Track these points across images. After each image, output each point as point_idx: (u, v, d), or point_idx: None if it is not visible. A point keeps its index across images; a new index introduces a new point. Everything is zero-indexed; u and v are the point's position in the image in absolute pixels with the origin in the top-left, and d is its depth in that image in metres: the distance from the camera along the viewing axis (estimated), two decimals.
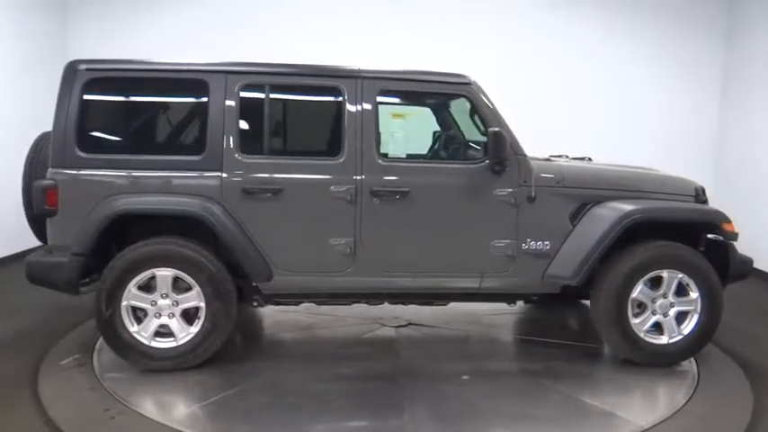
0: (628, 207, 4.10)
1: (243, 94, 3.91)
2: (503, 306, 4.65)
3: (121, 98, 3.99)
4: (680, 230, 4.27)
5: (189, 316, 3.93)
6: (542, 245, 4.15)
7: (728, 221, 4.20)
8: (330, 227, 3.97)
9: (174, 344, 3.90)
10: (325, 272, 4.03)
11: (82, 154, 3.83)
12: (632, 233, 4.25)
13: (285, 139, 4.12)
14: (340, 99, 3.96)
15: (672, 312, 4.19)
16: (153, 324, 3.89)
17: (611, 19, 7.92)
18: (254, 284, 4.03)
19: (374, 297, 4.26)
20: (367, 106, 3.97)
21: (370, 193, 3.96)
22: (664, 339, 4.20)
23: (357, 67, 4.00)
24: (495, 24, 7.82)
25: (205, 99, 3.89)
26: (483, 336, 4.88)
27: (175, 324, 3.90)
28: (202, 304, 3.89)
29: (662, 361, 4.19)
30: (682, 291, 4.17)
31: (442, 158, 4.36)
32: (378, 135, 4.01)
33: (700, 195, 4.36)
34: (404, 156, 4.23)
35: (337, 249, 3.97)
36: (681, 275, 4.13)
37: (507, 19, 7.84)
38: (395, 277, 4.09)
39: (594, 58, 7.92)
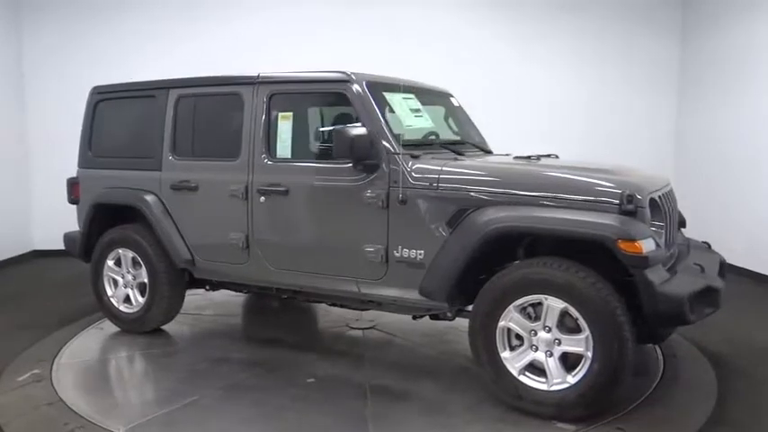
0: (495, 215, 3.40)
1: (177, 104, 4.58)
2: None
3: (112, 112, 5.03)
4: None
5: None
6: (416, 254, 3.72)
7: (627, 239, 3.08)
8: (230, 222, 4.31)
9: (132, 310, 4.81)
10: (230, 262, 4.40)
11: (91, 156, 5.05)
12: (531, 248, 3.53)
13: (205, 143, 4.56)
14: (241, 104, 4.29)
15: (557, 351, 3.30)
16: (121, 292, 4.87)
17: (564, 20, 7.94)
18: (179, 268, 4.62)
19: (285, 292, 4.41)
20: (259, 110, 4.21)
21: (257, 192, 4.19)
22: (544, 384, 3.33)
23: (256, 74, 4.27)
24: (441, 25, 7.87)
25: (155, 109, 4.67)
26: (411, 349, 4.53)
27: (132, 294, 4.81)
28: (146, 280, 4.70)
29: (543, 411, 3.32)
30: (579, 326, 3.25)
31: (320, 158, 4.21)
32: (267, 136, 4.19)
33: (624, 204, 3.25)
34: (288, 156, 4.23)
35: (234, 243, 4.30)
36: (564, 305, 3.23)
37: (452, 20, 7.89)
38: (283, 274, 4.20)
39: (548, 60, 7.94)
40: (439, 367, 4.17)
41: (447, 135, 4.71)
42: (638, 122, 8.03)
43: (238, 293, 5.27)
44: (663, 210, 3.51)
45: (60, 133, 7.46)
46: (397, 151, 3.77)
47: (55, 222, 7.27)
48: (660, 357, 4.24)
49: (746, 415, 3.53)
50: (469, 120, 5.03)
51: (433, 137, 4.51)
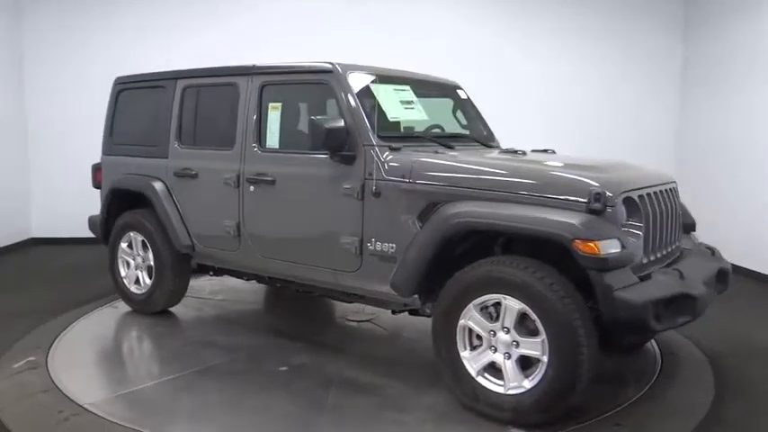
0: (458, 210, 3.30)
1: (183, 94, 4.72)
2: None
3: (131, 102, 5.25)
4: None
5: None
6: (388, 247, 3.67)
7: (584, 239, 2.91)
8: (224, 209, 4.41)
9: (140, 291, 5.03)
10: (224, 249, 4.50)
11: (112, 143, 5.30)
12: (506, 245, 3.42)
13: (205, 132, 4.66)
14: (237, 95, 4.37)
15: (515, 354, 3.17)
16: (132, 273, 5.10)
17: (565, 18, 7.88)
18: (181, 252, 4.77)
19: (277, 280, 4.47)
20: (252, 100, 4.28)
21: (246, 181, 4.26)
22: (501, 387, 3.21)
23: (251, 64, 4.34)
24: (442, 22, 7.86)
25: (165, 99, 4.85)
26: (399, 344, 4.53)
27: (141, 276, 5.03)
28: (152, 263, 4.90)
29: (499, 414, 3.21)
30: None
31: (304, 149, 4.17)
32: (258, 126, 4.25)
33: (591, 202, 3.06)
34: (276, 146, 4.24)
35: (227, 230, 4.40)
36: (521, 305, 3.10)
37: (452, 17, 7.87)
38: (271, 262, 4.25)
39: (549, 58, 7.87)
40: (418, 364, 4.08)
41: (454, 128, 4.63)
42: (640, 120, 7.92)
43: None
44: (643, 210, 3.28)
45: (60, 124, 7.84)
46: (373, 143, 3.73)
47: (53, 210, 7.83)
48: (658, 355, 4.18)
49: (743, 413, 3.50)
50: (478, 113, 4.90)
51: (438, 130, 4.44)
